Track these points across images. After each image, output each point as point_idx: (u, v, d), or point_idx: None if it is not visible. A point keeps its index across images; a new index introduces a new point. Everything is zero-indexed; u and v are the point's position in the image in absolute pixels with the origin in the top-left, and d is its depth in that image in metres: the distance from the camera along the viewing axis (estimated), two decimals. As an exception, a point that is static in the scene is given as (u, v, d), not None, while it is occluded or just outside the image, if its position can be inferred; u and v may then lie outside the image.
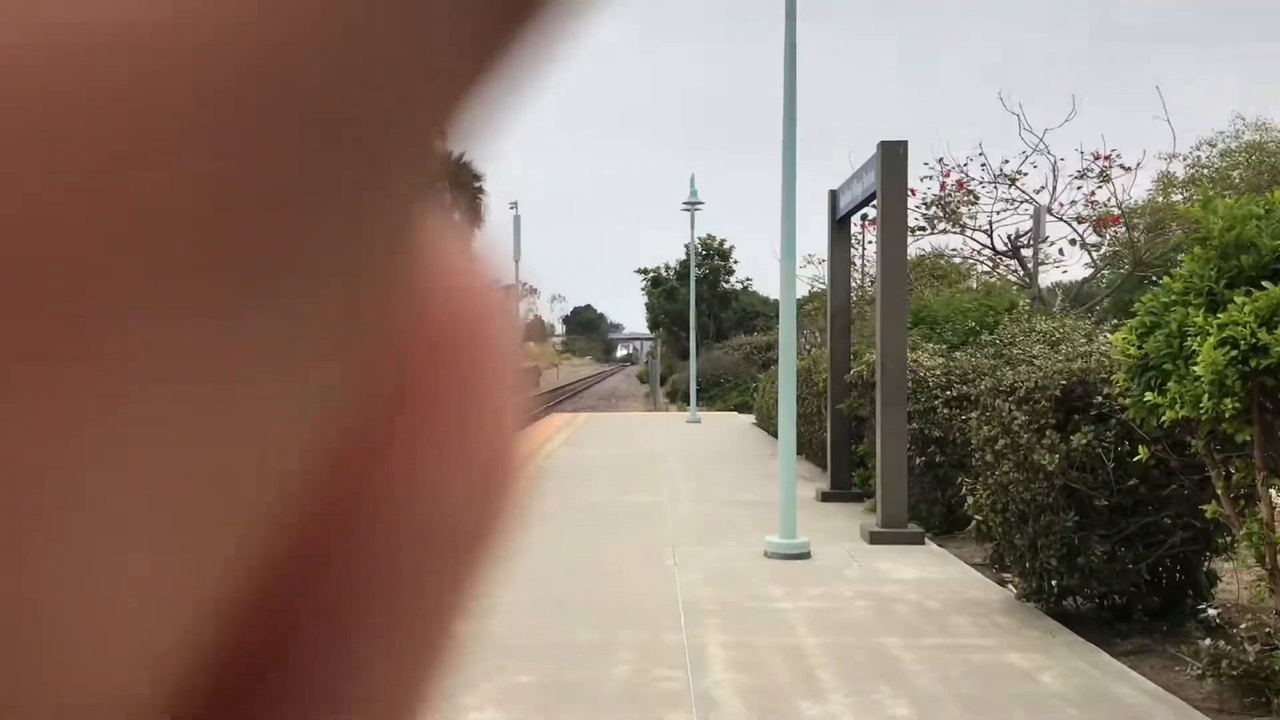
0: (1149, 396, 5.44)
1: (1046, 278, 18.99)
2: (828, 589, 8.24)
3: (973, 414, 8.21)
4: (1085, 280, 18.56)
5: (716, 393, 40.58)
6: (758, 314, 51.72)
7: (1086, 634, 6.88)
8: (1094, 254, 17.46)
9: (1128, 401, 5.83)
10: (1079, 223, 16.81)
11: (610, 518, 11.83)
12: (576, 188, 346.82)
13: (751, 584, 8.43)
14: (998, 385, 7.67)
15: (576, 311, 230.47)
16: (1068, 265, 17.97)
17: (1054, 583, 7.16)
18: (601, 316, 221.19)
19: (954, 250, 21.13)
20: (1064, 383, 7.08)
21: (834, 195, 12.76)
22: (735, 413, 34.52)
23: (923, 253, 20.55)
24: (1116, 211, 16.19)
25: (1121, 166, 16.28)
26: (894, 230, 10.29)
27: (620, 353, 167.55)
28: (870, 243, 21.42)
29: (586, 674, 6.07)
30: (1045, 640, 6.74)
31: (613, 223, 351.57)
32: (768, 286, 60.64)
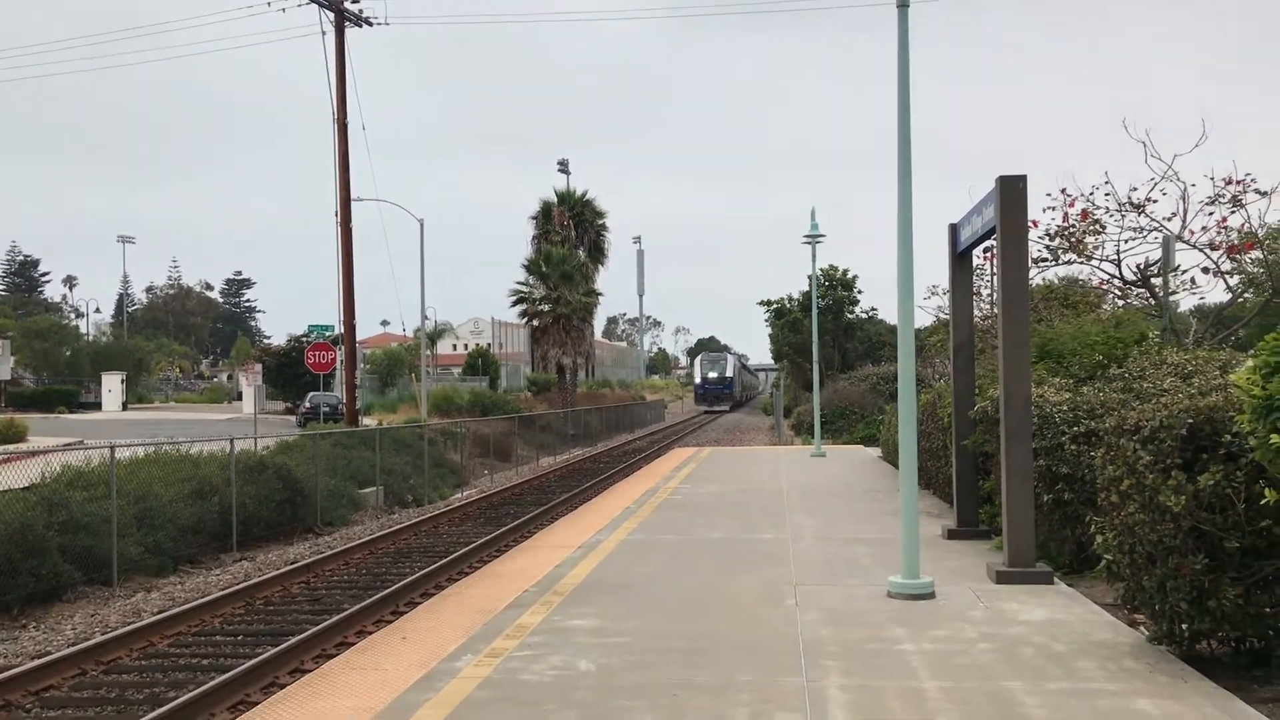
0: (1275, 439, 5.31)
1: (1185, 302, 18.34)
2: (951, 630, 8.16)
3: (1100, 451, 8.05)
4: (1225, 306, 17.86)
5: (842, 425, 40.15)
6: (884, 343, 50.95)
7: (1222, 680, 6.67)
8: (1229, 280, 16.83)
9: (1253, 443, 5.68)
10: (1211, 249, 16.26)
11: (732, 555, 11.89)
12: (700, 221, 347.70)
13: (874, 624, 8.41)
14: (1121, 423, 7.51)
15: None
16: (1205, 292, 17.36)
17: (1185, 626, 6.97)
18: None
19: (1083, 280, 20.60)
20: (1190, 421, 6.89)
21: (954, 229, 12.62)
22: (861, 445, 34.12)
23: (1050, 283, 20.07)
24: (1253, 238, 15.58)
25: (1257, 191, 15.70)
26: (1014, 267, 10.15)
27: (696, 373, 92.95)
28: (995, 274, 21.02)
29: (707, 716, 6.16)
30: (1177, 686, 6.56)
31: (737, 255, 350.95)
32: (893, 315, 59.68)
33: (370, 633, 10.67)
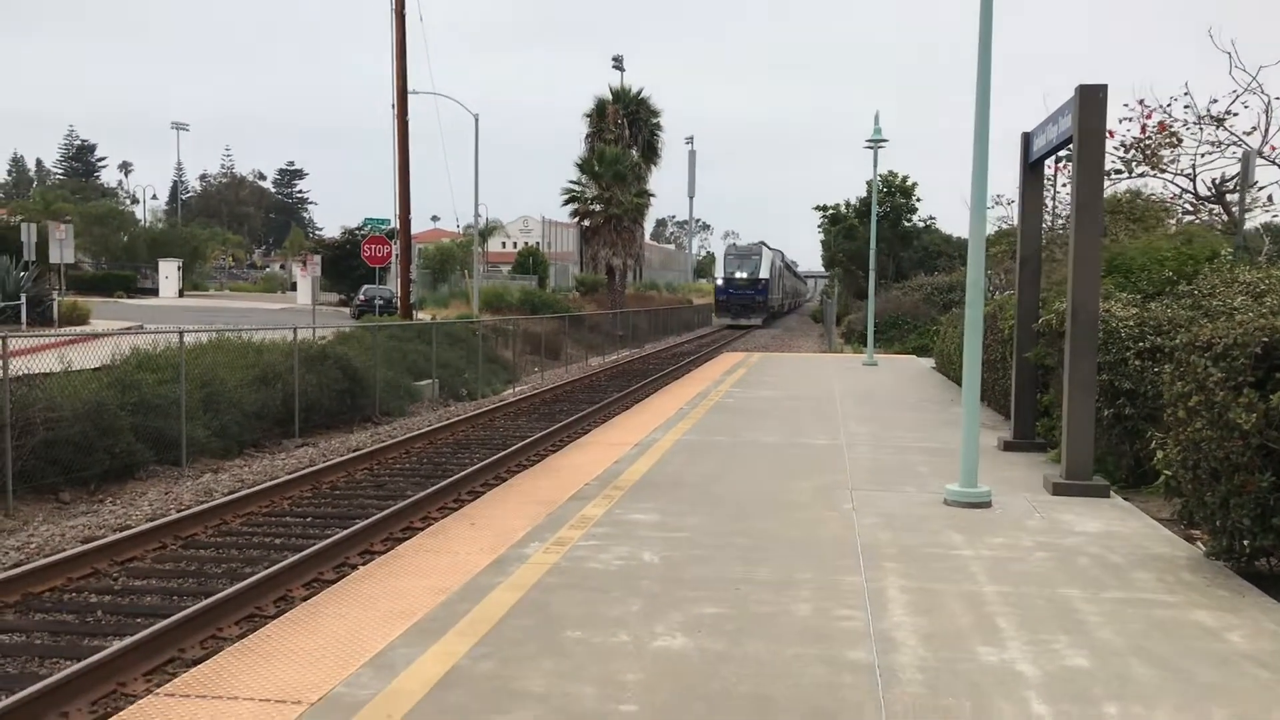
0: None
1: (1255, 220, 17.93)
2: (1009, 539, 8.28)
3: (1166, 367, 8.04)
4: (1299, 225, 17.47)
5: (894, 334, 39.96)
6: (940, 253, 50.37)
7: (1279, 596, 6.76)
8: (1307, 198, 16.45)
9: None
10: (1293, 166, 15.84)
11: (787, 458, 12.05)
12: (754, 123, 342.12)
13: (931, 530, 8.55)
14: (1193, 340, 7.48)
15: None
16: (1278, 211, 16.95)
17: (1246, 542, 7.03)
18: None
19: (1154, 194, 20.17)
20: (1265, 339, 6.86)
21: (1027, 138, 12.40)
22: (914, 355, 34.01)
23: (1116, 196, 19.67)
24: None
25: (1348, 106, 15.22)
26: (1090, 180, 9.99)
27: (719, 271, 71.99)
28: (1064, 185, 20.64)
29: (769, 609, 6.35)
30: (1235, 600, 6.66)
31: (789, 159, 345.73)
32: (950, 225, 58.90)
33: (436, 519, 11.01)
